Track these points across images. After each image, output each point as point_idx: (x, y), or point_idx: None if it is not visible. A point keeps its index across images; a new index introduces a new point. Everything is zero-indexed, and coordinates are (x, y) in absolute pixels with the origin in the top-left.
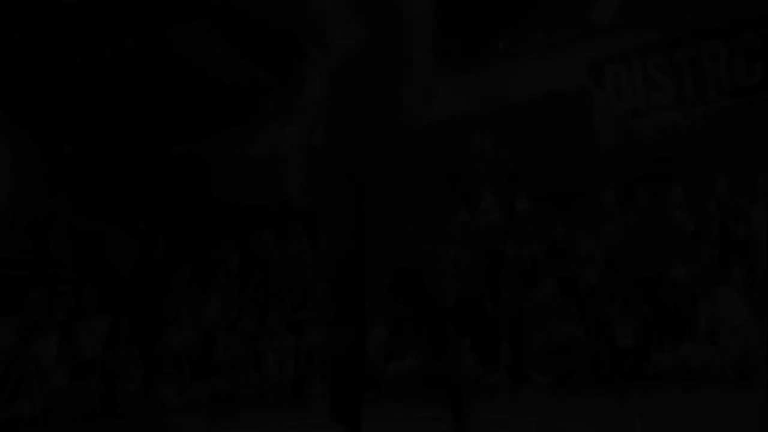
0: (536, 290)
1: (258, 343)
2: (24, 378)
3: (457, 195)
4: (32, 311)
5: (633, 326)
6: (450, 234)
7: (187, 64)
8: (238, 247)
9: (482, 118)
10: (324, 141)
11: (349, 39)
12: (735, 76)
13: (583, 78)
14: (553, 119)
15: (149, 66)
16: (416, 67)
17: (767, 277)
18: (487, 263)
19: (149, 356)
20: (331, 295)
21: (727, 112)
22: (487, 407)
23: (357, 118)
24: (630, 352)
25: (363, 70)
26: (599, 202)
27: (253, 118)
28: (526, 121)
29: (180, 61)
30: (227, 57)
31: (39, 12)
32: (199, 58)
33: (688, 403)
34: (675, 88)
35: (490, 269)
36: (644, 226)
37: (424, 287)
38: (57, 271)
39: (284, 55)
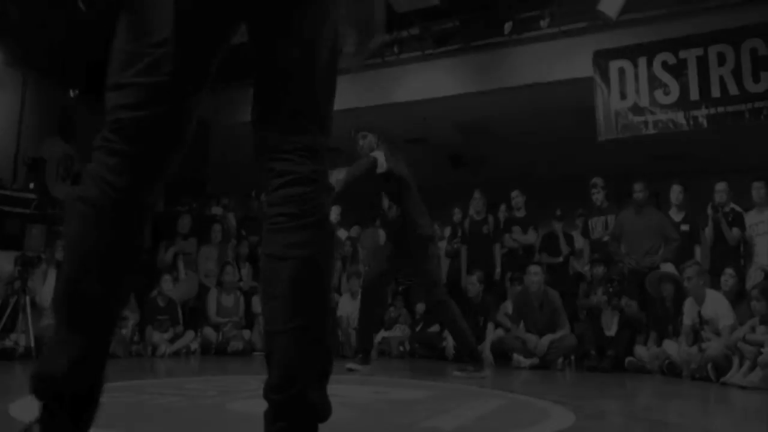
0: (528, 277)
1: (250, 299)
2: (20, 312)
3: None
4: (31, 248)
5: (618, 319)
6: None
7: None
8: (236, 205)
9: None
10: None
11: None
12: (741, 82)
13: (588, 70)
14: (556, 109)
15: None
16: None
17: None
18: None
19: (143, 302)
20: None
21: (731, 116)
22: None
23: None
24: (614, 343)
25: None
26: (594, 195)
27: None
28: (527, 109)
29: None
30: None
31: None
32: None
33: (665, 393)
34: (680, 89)
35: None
36: (638, 222)
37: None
38: (56, 212)
39: None
